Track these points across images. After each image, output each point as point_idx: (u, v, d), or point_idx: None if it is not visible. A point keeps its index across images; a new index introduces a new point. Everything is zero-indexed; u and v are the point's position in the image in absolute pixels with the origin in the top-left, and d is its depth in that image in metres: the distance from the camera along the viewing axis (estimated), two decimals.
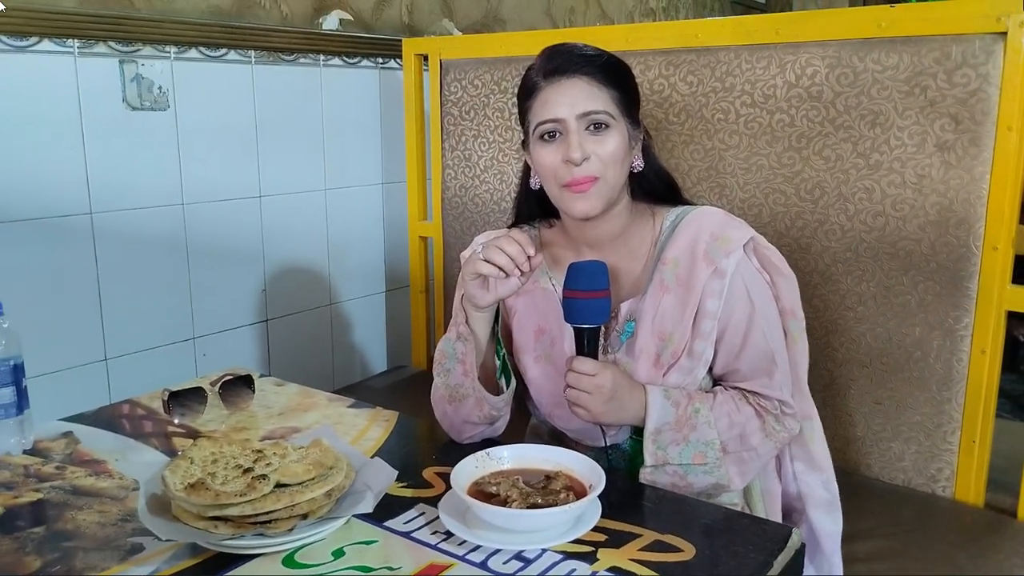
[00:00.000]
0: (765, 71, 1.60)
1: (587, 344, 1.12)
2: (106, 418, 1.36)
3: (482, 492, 0.99)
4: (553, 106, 1.12)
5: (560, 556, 0.92)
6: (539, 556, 0.92)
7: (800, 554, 0.98)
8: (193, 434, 1.29)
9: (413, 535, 0.97)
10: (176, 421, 1.33)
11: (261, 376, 1.54)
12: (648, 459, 1.12)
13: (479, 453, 1.05)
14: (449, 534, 0.95)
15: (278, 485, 0.93)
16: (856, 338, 1.58)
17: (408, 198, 2.27)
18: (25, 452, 1.22)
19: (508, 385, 1.21)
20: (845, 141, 1.53)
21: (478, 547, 0.93)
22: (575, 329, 1.12)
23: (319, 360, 2.29)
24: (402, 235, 2.35)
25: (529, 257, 1.09)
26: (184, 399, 1.36)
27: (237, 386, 1.41)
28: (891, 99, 1.47)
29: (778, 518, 1.28)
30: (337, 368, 2.34)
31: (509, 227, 1.29)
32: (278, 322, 2.15)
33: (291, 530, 0.92)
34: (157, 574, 0.90)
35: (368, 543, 0.95)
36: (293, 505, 0.91)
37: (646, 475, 1.13)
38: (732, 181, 1.67)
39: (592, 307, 1.10)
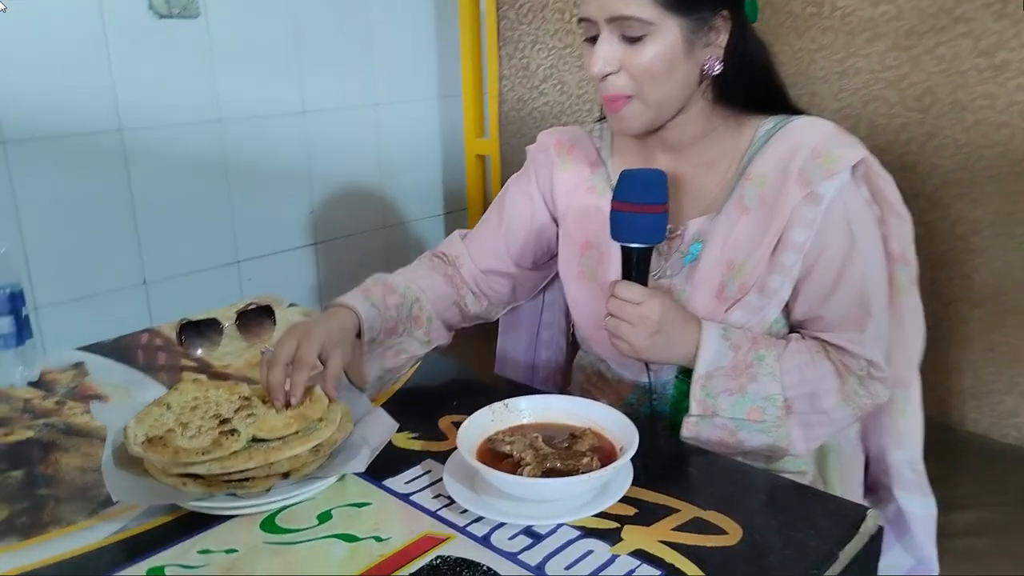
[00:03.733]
0: None
1: (635, 268, 0.94)
2: (122, 348, 1.28)
3: (493, 451, 0.85)
4: (587, 2, 0.94)
5: (577, 533, 0.77)
6: (552, 532, 0.78)
7: (876, 540, 0.81)
8: (205, 368, 1.20)
9: (412, 498, 0.84)
10: (191, 354, 1.24)
11: (290, 306, 1.43)
12: (694, 407, 0.95)
13: (496, 404, 0.91)
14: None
15: (255, 440, 0.81)
16: (967, 273, 1.35)
17: (464, 113, 2.10)
18: (30, 384, 1.16)
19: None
20: (964, 37, 1.27)
21: (483, 517, 0.80)
22: (622, 248, 0.95)
23: None
24: (460, 153, 2.19)
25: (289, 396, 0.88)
26: (199, 330, 1.27)
27: (258, 316, 1.31)
28: None
29: (857, 494, 1.10)
30: None
31: (595, 121, 1.17)
32: (328, 245, 2.05)
33: (268, 491, 0.81)
34: (123, 532, 0.80)
35: (360, 506, 0.83)
36: (270, 463, 0.80)
37: (690, 425, 0.96)
38: (824, 88, 1.43)
39: (642, 223, 0.92)
